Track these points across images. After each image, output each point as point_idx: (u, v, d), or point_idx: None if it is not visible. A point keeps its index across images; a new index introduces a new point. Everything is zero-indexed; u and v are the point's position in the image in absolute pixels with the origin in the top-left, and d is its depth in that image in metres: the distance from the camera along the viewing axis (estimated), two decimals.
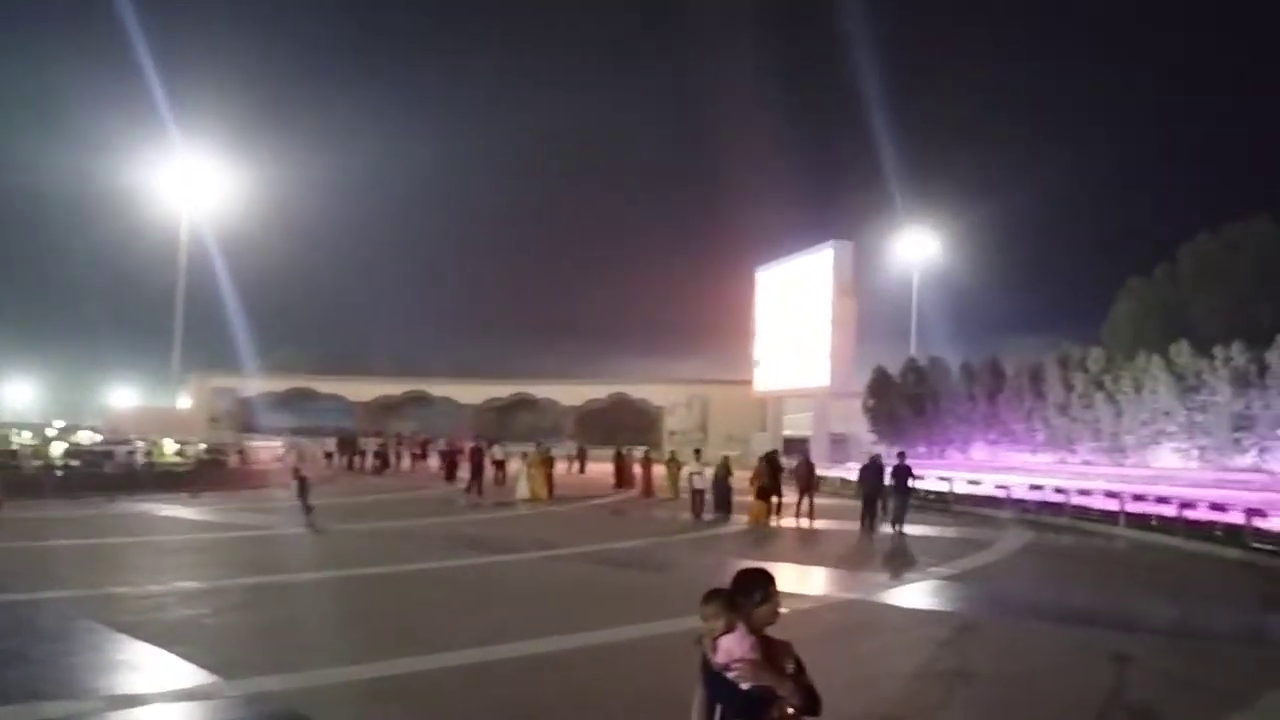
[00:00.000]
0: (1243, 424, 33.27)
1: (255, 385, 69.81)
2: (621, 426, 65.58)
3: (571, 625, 11.43)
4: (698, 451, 28.07)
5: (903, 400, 47.11)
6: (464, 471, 36.63)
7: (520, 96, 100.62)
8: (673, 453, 33.62)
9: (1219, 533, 20.57)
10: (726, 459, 27.00)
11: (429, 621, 11.92)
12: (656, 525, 23.95)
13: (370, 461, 44.83)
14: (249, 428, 64.65)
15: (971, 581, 16.35)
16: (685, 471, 28.19)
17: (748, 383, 59.99)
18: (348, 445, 46.95)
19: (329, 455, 46.64)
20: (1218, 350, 34.38)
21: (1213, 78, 75.87)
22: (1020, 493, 28.47)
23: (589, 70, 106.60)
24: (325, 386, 74.18)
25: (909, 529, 22.74)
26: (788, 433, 54.24)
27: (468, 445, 34.82)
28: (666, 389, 68.49)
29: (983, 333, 54.31)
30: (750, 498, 24.94)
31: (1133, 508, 23.71)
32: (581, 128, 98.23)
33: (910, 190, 61.58)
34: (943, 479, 31.02)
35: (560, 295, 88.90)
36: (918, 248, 55.99)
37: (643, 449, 37.47)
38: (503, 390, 72.88)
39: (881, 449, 41.49)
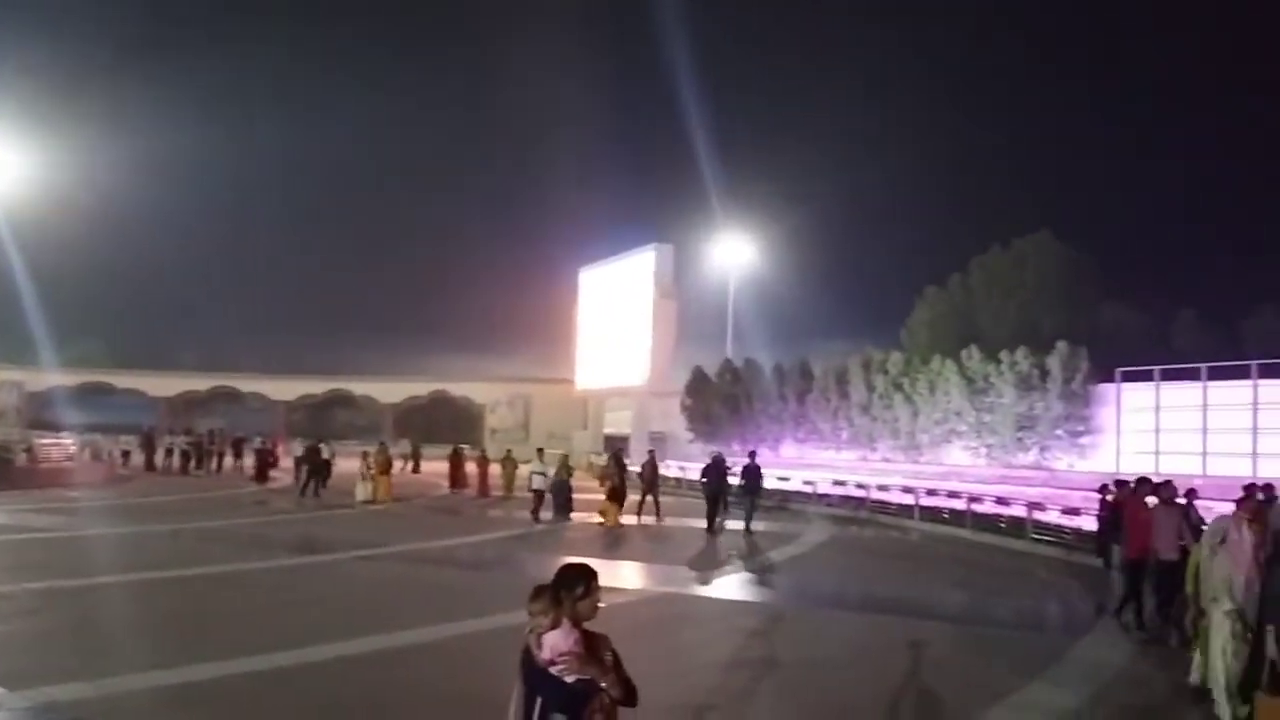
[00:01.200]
0: (1025, 424, 35.90)
1: (47, 379, 64.94)
2: (442, 424, 64.63)
3: (390, 625, 11.29)
4: (540, 451, 27.49)
5: (718, 400, 48.45)
6: (279, 471, 35.35)
7: (338, 90, 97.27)
8: (508, 451, 33.38)
9: (1003, 524, 22.24)
10: (566, 458, 26.84)
11: (236, 624, 11.52)
12: (491, 524, 23.82)
13: (177, 460, 42.39)
14: (40, 424, 60.06)
15: (779, 573, 17.12)
16: (525, 471, 27.71)
17: (569, 381, 60.30)
18: (149, 442, 44.29)
19: (126, 454, 43.93)
20: (1004, 355, 36.95)
21: (1006, 101, 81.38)
22: (825, 488, 29.88)
23: (408, 68, 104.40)
24: (125, 381, 69.76)
25: (728, 523, 23.40)
26: (608, 431, 54.80)
27: (303, 445, 33.18)
28: (488, 387, 67.93)
29: (794, 336, 56.47)
30: (600, 497, 24.66)
31: (926, 502, 25.30)
32: (402, 124, 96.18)
33: (730, 195, 63.34)
34: None
35: (380, 291, 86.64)
36: (735, 252, 57.51)
37: (466, 447, 37.11)
38: (317, 387, 70.47)
39: (697, 447, 42.61)
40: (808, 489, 30.21)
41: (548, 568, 4.96)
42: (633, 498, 25.88)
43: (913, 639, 11.14)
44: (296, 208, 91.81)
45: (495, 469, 32.27)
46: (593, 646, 4.18)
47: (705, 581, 15.89)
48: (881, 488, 28.28)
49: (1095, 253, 49.54)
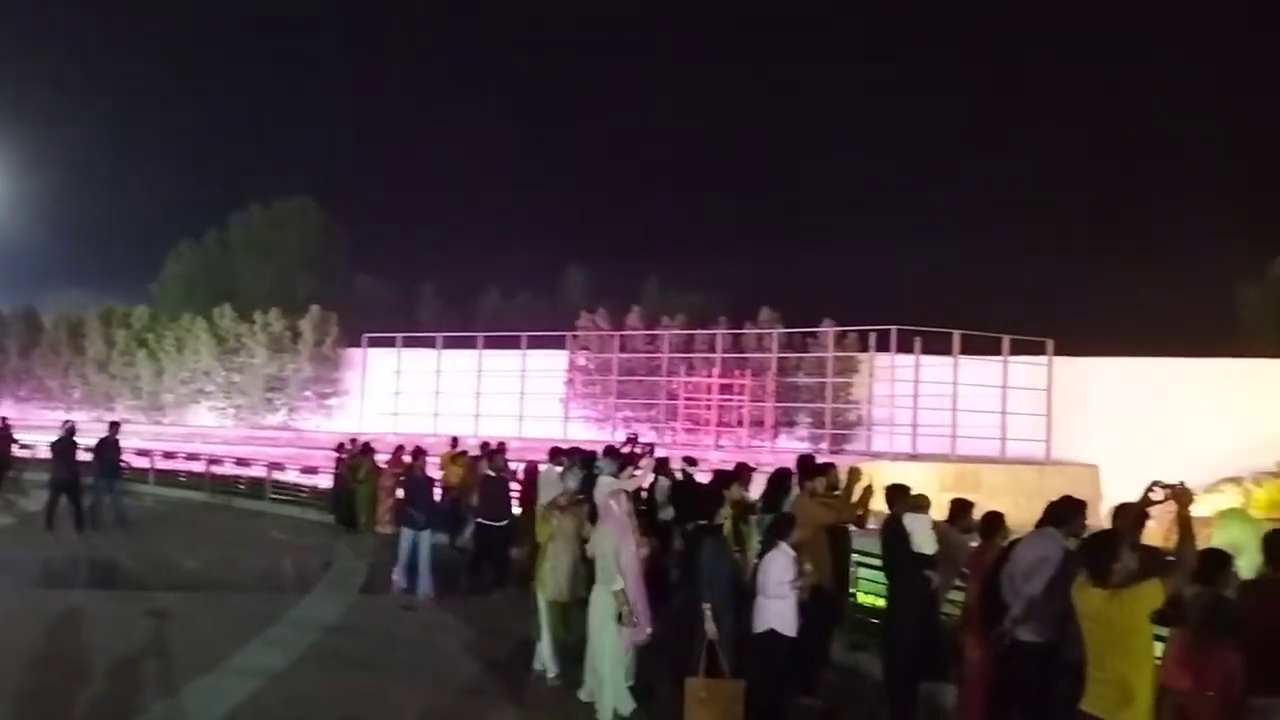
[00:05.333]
0: (275, 385, 36.11)
1: None
2: None
3: None
4: None
5: None
6: None
7: None
8: None
9: (243, 486, 22.06)
10: None
11: None
12: None
13: None
14: None
15: None
16: None
17: None
18: None
19: None
20: (258, 316, 36.72)
21: (281, 67, 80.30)
22: (47, 452, 26.61)
23: None
24: None
25: None
26: None
27: None
28: None
29: (23, 281, 49.39)
30: None
31: (163, 465, 23.98)
32: None
33: None
34: None
35: None
36: None
37: None
38: None
39: None
40: (25, 454, 26.59)
41: None
42: None
43: (131, 612, 10.42)
44: None
45: None
46: None
47: None
48: None
49: (353, 225, 51.63)
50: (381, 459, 17.20)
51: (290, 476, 21.67)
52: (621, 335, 31.64)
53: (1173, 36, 49.37)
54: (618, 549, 7.61)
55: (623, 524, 7.80)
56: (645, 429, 28.34)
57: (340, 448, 19.07)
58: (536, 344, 32.83)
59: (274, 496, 20.82)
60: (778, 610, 7.16)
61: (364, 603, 11.92)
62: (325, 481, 19.94)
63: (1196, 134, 40.37)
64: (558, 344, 32.76)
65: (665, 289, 40.40)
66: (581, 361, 32.41)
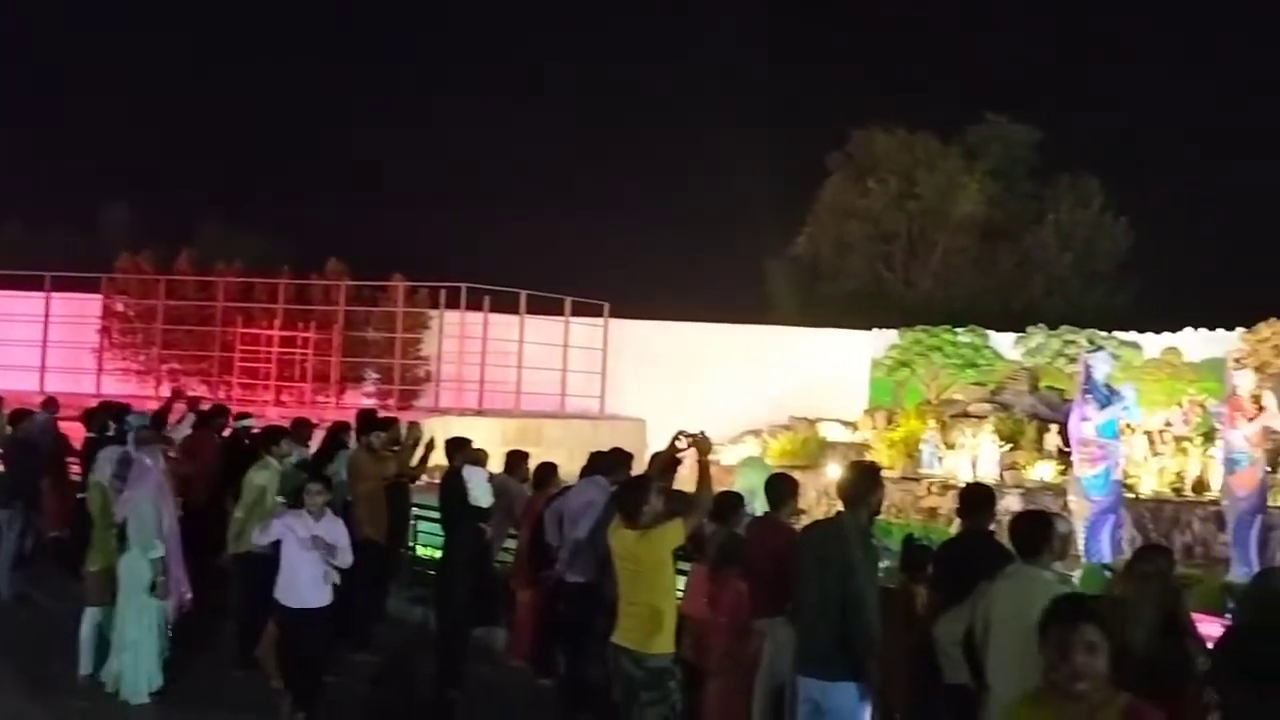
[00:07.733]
0: None
1: None
2: None
3: None
4: None
5: None
6: None
7: None
8: None
9: None
10: None
11: None
12: None
13: None
14: None
15: None
16: None
17: None
18: None
19: None
20: None
21: None
22: None
23: None
24: None
25: None
26: None
27: None
28: None
29: None
30: None
31: None
32: None
33: None
34: None
35: None
36: None
37: None
38: None
39: None
40: None
41: None
42: None
43: None
44: None
45: None
46: None
47: None
48: None
49: None
50: None
51: None
52: (169, 280, 28.95)
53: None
54: (158, 511, 7.00)
55: (159, 484, 7.13)
56: (196, 383, 26.32)
57: None
58: (64, 285, 29.09)
59: None
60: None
61: None
62: None
63: (747, 121, 44.32)
64: (91, 286, 29.28)
65: (224, 232, 37.41)
66: (120, 308, 29.26)
